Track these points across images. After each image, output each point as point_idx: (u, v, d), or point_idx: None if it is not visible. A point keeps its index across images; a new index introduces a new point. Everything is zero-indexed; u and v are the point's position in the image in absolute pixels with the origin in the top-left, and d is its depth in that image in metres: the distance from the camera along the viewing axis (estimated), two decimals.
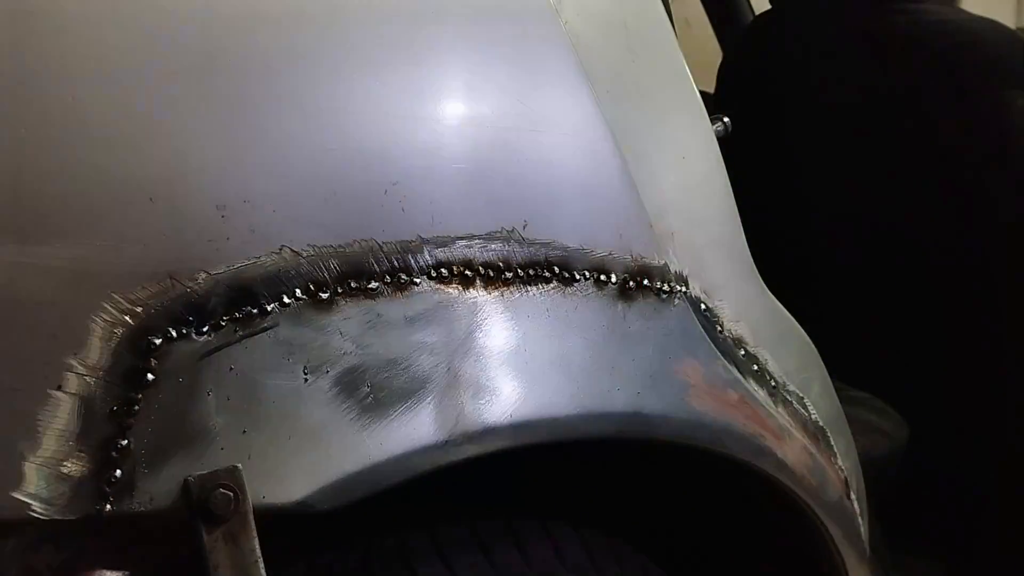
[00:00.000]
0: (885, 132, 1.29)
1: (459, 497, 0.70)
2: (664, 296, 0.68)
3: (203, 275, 0.51)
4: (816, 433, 0.81)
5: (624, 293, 0.65)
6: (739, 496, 0.80)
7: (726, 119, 0.94)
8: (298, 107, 0.55)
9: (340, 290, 0.55)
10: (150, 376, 0.50)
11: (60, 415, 0.48)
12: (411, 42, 0.59)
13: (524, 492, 0.73)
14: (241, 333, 0.52)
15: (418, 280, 0.58)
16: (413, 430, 0.57)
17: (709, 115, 0.81)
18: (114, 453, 0.49)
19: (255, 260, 0.53)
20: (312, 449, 0.54)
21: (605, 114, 0.66)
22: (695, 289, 0.71)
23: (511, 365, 0.60)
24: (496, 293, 0.61)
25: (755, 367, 0.74)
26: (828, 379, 0.87)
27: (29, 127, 0.49)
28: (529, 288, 0.62)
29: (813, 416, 0.81)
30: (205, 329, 0.52)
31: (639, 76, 0.73)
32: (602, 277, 0.64)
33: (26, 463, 0.48)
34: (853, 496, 0.84)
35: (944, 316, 1.31)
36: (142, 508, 0.50)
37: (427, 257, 0.58)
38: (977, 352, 1.29)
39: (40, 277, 0.48)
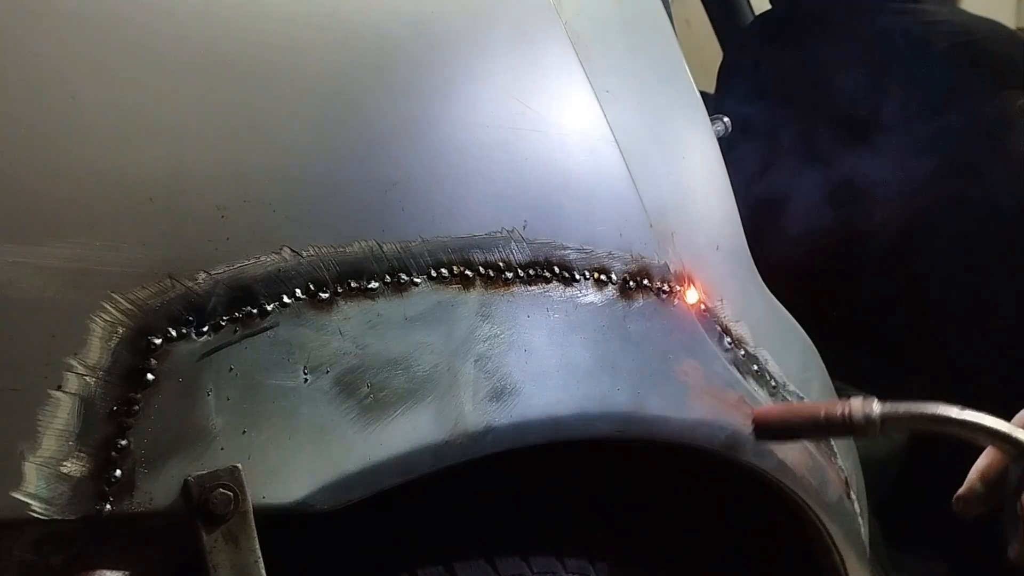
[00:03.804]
0: (885, 132, 1.29)
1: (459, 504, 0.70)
2: (664, 296, 0.68)
3: (203, 275, 0.51)
4: None
5: (624, 293, 0.65)
6: (739, 496, 0.80)
7: (726, 119, 0.94)
8: (297, 107, 0.55)
9: (340, 290, 0.55)
10: (150, 376, 0.50)
11: (60, 415, 0.48)
12: (411, 42, 0.59)
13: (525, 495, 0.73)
14: (241, 333, 0.52)
15: (418, 280, 0.58)
16: (413, 430, 0.57)
17: (709, 115, 0.81)
18: (114, 453, 0.49)
19: (255, 260, 0.53)
20: (312, 449, 0.54)
21: (605, 114, 0.66)
22: (695, 289, 0.71)
23: (511, 365, 0.60)
24: (496, 293, 0.60)
25: (755, 367, 0.74)
26: (828, 379, 0.87)
27: (29, 127, 0.48)
28: (529, 288, 0.62)
29: None
30: (205, 329, 0.52)
31: (639, 76, 0.73)
32: (602, 277, 0.64)
33: (26, 463, 0.47)
34: (853, 496, 0.84)
35: (944, 316, 1.31)
36: (142, 508, 0.50)
37: (427, 257, 0.58)
38: (977, 350, 1.29)
39: (40, 277, 0.48)
